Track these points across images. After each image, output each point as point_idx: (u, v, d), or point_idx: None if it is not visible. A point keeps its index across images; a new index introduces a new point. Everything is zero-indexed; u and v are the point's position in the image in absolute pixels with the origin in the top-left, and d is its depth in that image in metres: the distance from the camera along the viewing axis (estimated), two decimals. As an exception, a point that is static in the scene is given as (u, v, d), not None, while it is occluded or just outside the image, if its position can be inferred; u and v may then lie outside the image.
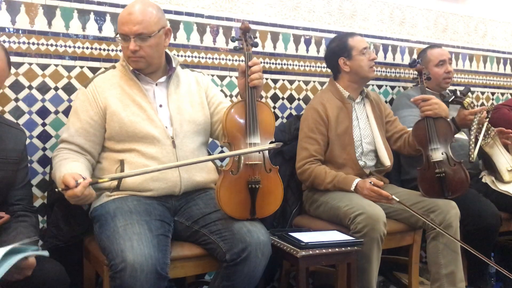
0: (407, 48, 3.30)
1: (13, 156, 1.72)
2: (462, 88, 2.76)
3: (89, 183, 1.67)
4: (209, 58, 2.60)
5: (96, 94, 1.95)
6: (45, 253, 1.44)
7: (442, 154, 2.43)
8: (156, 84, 2.01)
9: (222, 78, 2.63)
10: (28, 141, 2.16)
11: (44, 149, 2.21)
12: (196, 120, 2.04)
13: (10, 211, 1.72)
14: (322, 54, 2.90)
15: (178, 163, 1.91)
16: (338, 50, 2.57)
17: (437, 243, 2.32)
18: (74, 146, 1.92)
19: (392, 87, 3.25)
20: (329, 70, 2.72)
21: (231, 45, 2.61)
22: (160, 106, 1.99)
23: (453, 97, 2.60)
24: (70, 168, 1.78)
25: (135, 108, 1.94)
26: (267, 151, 1.94)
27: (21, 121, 2.15)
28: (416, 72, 2.66)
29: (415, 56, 3.26)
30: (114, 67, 2.04)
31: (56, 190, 1.70)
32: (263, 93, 2.76)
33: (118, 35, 1.93)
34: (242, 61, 2.67)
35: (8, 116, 2.12)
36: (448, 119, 2.48)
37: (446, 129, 2.46)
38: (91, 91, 1.96)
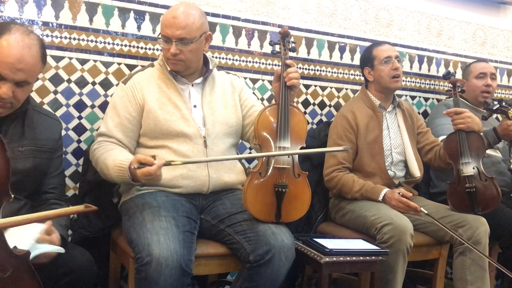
0: (443, 60, 3.25)
1: (48, 145, 1.74)
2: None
3: (163, 164, 1.70)
4: (243, 61, 2.63)
5: (135, 91, 1.99)
6: (61, 250, 1.45)
7: (474, 168, 2.38)
8: (192, 85, 2.04)
9: (254, 81, 2.65)
10: (63, 132, 2.23)
11: (78, 141, 2.27)
12: (229, 121, 2.06)
13: (43, 199, 1.76)
14: (356, 62, 2.90)
15: (231, 156, 2.01)
16: (364, 59, 2.60)
17: (464, 259, 2.28)
18: (113, 139, 1.95)
19: (426, 99, 3.21)
20: (362, 78, 2.71)
21: (265, 48, 2.65)
22: (195, 106, 2.02)
23: (498, 106, 2.55)
24: (125, 155, 1.82)
25: (171, 107, 1.97)
26: (297, 157, 1.95)
27: (59, 113, 2.22)
28: (450, 85, 2.63)
29: (451, 68, 3.22)
30: (152, 65, 2.08)
31: (133, 167, 1.71)
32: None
33: (159, 36, 1.96)
34: (276, 65, 2.69)
35: (46, 108, 2.19)
36: (485, 130, 2.44)
37: (478, 143, 2.41)
38: (130, 87, 2.00)
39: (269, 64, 2.69)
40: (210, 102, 2.05)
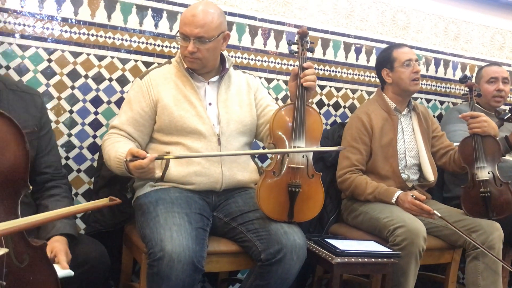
0: (459, 63, 3.23)
1: (31, 125, 1.66)
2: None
3: (155, 158, 1.72)
4: (258, 60, 2.63)
5: (150, 87, 2.00)
6: (70, 274, 1.44)
7: (489, 173, 2.36)
8: (208, 83, 2.05)
9: (269, 80, 2.66)
10: (79, 127, 2.26)
11: (94, 136, 2.29)
12: (243, 120, 2.07)
13: (38, 182, 1.71)
14: (372, 63, 2.89)
15: (238, 152, 2.00)
16: (383, 61, 2.57)
17: (477, 263, 2.26)
18: (124, 133, 1.98)
19: (442, 102, 3.19)
20: (377, 80, 2.70)
21: (281, 48, 2.65)
22: (210, 104, 2.03)
23: (510, 114, 2.52)
24: (126, 148, 1.83)
25: (186, 104, 1.99)
26: (311, 157, 1.95)
27: (75, 108, 2.25)
28: (466, 88, 2.60)
29: (467, 72, 3.19)
30: (170, 62, 2.10)
31: (125, 160, 1.73)
32: (309, 99, 2.77)
33: (178, 33, 1.98)
34: (291, 65, 2.69)
35: (63, 103, 2.22)
36: (498, 138, 2.42)
37: (494, 148, 2.39)
38: (146, 83, 2.01)
39: (285, 64, 2.69)
40: (225, 100, 2.06)
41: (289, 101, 2.03)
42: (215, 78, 2.06)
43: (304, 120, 1.92)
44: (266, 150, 1.92)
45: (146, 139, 2.03)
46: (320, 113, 2.81)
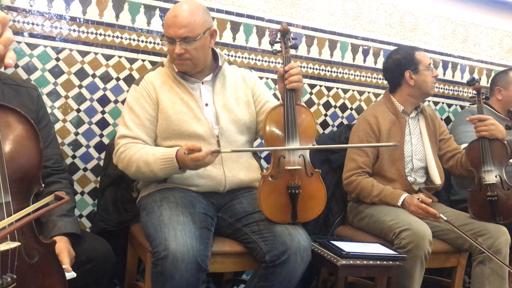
0: (467, 66, 3.21)
1: None
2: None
3: (211, 152, 1.73)
4: (265, 61, 2.63)
5: (149, 90, 1.97)
6: (72, 275, 1.43)
7: (496, 177, 2.35)
8: (202, 83, 2.02)
9: (276, 81, 2.65)
10: (87, 126, 2.27)
11: (101, 135, 2.30)
12: (241, 119, 2.03)
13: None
14: (379, 65, 2.88)
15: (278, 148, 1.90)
16: (405, 62, 2.51)
17: (483, 268, 2.24)
18: (139, 140, 1.93)
19: (449, 105, 3.18)
20: (385, 82, 2.68)
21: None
22: (206, 105, 2.00)
23: None
24: (163, 149, 1.85)
25: (183, 106, 1.96)
26: (308, 155, 1.92)
27: (83, 107, 2.26)
28: (474, 91, 2.58)
29: (475, 75, 3.17)
30: (162, 64, 2.05)
31: (184, 153, 1.73)
32: (315, 100, 2.76)
33: (162, 38, 1.93)
34: (300, 66, 2.68)
35: (71, 102, 2.23)
36: (505, 142, 2.40)
37: (501, 151, 2.37)
38: (144, 87, 1.97)
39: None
40: (221, 99, 2.02)
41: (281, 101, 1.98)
42: (209, 77, 2.02)
43: (295, 120, 1.88)
44: (299, 147, 1.87)
45: (154, 145, 1.99)
46: (327, 115, 2.81)
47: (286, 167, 1.86)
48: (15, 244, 1.14)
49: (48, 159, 1.72)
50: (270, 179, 1.86)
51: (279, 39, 2.00)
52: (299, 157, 1.89)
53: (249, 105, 2.07)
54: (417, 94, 2.52)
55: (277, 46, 1.99)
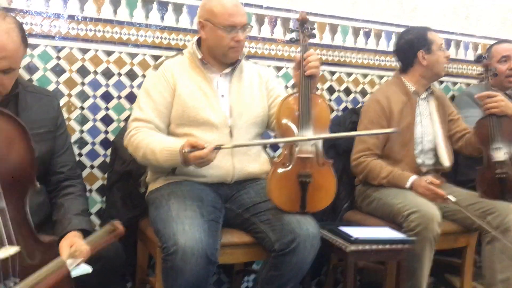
0: (471, 43, 3.17)
1: (47, 126, 1.69)
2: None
3: (213, 148, 1.73)
4: (266, 49, 2.61)
5: (166, 76, 1.98)
6: (87, 270, 1.43)
7: (505, 154, 2.32)
8: (220, 75, 2.04)
9: (278, 69, 2.64)
10: (91, 124, 2.28)
11: (106, 132, 2.31)
12: (255, 112, 2.06)
13: (54, 182, 1.73)
14: (381, 47, 2.85)
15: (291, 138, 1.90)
16: (418, 42, 2.47)
17: (493, 247, 2.23)
18: (151, 124, 1.93)
19: (454, 83, 3.15)
20: (387, 64, 2.66)
21: (289, 36, 2.62)
22: (222, 96, 2.02)
23: None
24: (171, 139, 1.85)
25: (199, 94, 1.98)
26: (321, 145, 1.93)
27: (86, 104, 2.26)
28: (481, 68, 2.54)
29: (479, 51, 3.13)
30: (182, 53, 2.08)
31: (184, 151, 1.73)
32: (319, 85, 2.74)
33: (221, 27, 1.93)
34: (299, 52, 2.66)
35: (74, 100, 2.24)
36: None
37: (511, 128, 2.35)
38: (162, 73, 1.99)
39: (293, 52, 2.66)
40: (237, 92, 2.04)
41: (295, 90, 2.01)
42: (228, 70, 2.05)
43: (310, 108, 1.89)
44: (310, 137, 1.87)
45: (167, 132, 2.00)
46: (331, 100, 2.79)
47: (298, 155, 1.86)
48: (14, 249, 1.14)
49: (64, 165, 1.75)
50: (281, 166, 1.86)
51: (297, 27, 2.04)
52: (311, 145, 1.89)
53: (263, 99, 2.10)
54: (429, 75, 2.49)
55: (295, 35, 2.04)
